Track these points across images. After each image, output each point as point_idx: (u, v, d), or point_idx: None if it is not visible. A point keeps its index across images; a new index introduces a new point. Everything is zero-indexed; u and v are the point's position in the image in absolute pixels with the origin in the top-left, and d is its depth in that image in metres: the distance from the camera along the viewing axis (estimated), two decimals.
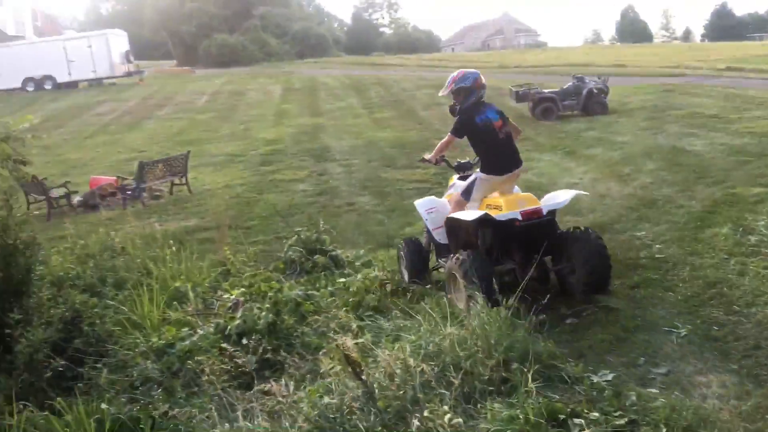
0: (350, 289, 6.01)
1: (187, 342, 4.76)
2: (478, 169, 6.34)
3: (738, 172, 10.29)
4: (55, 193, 12.48)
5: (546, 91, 19.79)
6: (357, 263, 7.66)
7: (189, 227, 10.53)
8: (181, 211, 11.80)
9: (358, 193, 12.12)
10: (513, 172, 6.16)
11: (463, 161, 6.92)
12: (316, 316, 5.50)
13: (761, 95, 19.75)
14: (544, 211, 5.75)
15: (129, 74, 36.68)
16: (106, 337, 5.58)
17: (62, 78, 35.22)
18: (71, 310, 5.60)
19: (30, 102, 30.98)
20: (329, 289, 6.47)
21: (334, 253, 7.76)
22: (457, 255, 5.68)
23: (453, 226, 6.18)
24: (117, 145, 20.24)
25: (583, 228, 6.02)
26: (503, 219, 5.66)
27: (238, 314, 4.85)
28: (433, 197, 7.08)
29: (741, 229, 7.05)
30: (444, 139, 6.33)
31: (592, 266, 5.66)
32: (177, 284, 6.38)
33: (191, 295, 6.07)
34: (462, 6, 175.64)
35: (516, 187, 6.48)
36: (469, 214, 5.88)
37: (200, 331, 4.93)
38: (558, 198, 6.00)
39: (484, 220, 5.71)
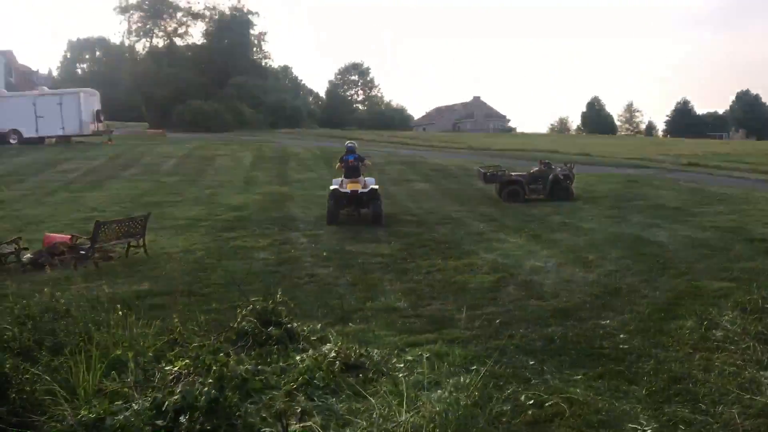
0: (301, 366, 5.67)
1: (120, 417, 4.35)
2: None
3: (701, 264, 10.32)
4: (5, 248, 11.93)
5: (513, 174, 20.04)
6: (313, 338, 7.35)
7: (141, 291, 10.09)
8: (134, 274, 11.35)
9: (320, 264, 11.85)
10: (351, 179, 16.02)
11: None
12: (263, 395, 5.15)
13: (722, 191, 20.26)
14: (359, 191, 15.73)
15: (98, 133, 36.39)
16: (34, 406, 5.14)
17: (29, 133, 34.75)
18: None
19: None
20: (281, 364, 6.12)
21: (289, 325, 7.42)
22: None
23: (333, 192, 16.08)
24: (77, 204, 19.74)
25: (377, 195, 15.96)
26: (343, 191, 15.83)
27: (178, 388, 4.48)
28: (340, 179, 16.36)
29: (705, 323, 6.95)
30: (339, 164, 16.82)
31: (375, 212, 15.71)
32: (118, 352, 5.97)
33: (131, 364, 5.66)
34: (435, 87, 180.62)
35: (367, 180, 16.28)
36: (332, 187, 16.13)
37: (135, 406, 4.53)
38: (370, 185, 15.95)
39: (336, 190, 15.93)
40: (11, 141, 34.43)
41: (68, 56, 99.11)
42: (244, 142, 38.03)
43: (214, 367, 4.53)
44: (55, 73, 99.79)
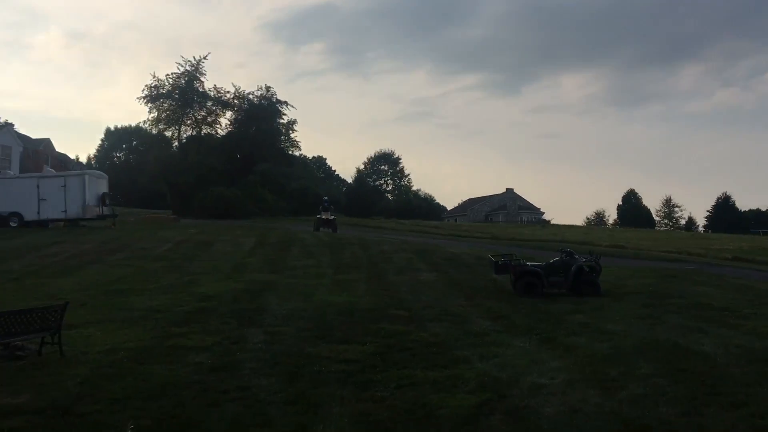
0: None
1: None
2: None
3: (764, 388, 7.49)
4: None
5: (530, 264, 17.38)
6: None
7: (7, 407, 7.62)
8: (23, 380, 8.88)
9: (263, 371, 9.31)
10: (325, 212, 35.82)
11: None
12: None
13: None
14: (328, 218, 35.75)
15: (102, 217, 34.78)
16: None
17: (30, 216, 33.18)
18: None
19: None
20: None
21: None
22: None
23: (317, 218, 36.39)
24: (38, 291, 17.53)
25: (335, 221, 36.02)
26: (321, 218, 35.72)
27: None
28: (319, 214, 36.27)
29: None
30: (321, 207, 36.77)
31: (333, 229, 34.97)
32: None
33: None
34: (467, 179, 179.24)
35: (332, 215, 36.75)
36: (317, 216, 37.01)
37: None
38: (332, 217, 36.30)
39: (318, 217, 36.40)
40: (11, 224, 32.99)
41: (105, 145, 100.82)
42: (253, 228, 36.02)
43: None
44: (93, 162, 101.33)
